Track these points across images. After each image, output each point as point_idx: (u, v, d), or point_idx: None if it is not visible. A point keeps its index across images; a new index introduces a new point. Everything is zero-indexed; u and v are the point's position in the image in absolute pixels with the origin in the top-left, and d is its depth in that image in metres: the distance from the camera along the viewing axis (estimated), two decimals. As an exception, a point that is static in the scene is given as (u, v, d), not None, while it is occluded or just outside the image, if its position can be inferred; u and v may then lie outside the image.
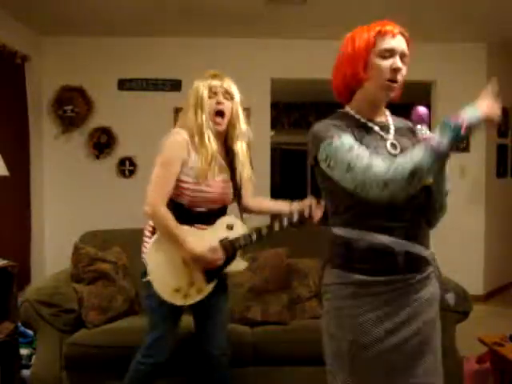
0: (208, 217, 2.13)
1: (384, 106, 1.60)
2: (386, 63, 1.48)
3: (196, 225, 2.10)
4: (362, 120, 1.55)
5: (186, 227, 2.07)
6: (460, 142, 1.33)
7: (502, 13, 4.22)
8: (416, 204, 1.49)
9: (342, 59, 1.55)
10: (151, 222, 2.13)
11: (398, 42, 1.49)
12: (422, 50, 4.97)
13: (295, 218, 2.10)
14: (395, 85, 1.49)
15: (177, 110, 4.41)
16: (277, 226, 2.10)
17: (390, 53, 1.48)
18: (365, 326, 1.46)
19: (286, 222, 2.10)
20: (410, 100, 8.22)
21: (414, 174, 1.32)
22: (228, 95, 2.15)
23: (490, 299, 5.21)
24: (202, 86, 2.11)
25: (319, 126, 1.51)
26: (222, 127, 2.14)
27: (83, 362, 2.62)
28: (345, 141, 1.43)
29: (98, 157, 4.90)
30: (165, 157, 2.04)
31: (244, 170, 2.19)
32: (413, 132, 1.56)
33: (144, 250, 2.16)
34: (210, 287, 2.14)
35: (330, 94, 1.73)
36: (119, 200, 4.85)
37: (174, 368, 2.56)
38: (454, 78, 5.12)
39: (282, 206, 2.23)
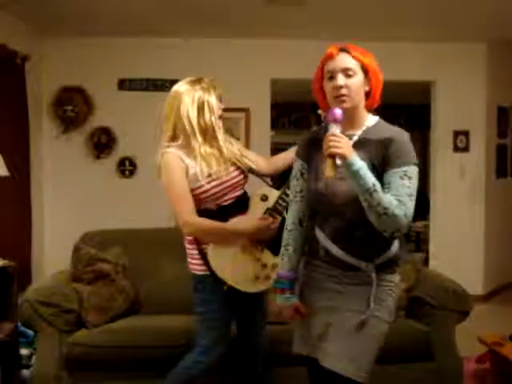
0: (238, 206, 2.19)
1: (360, 118, 1.74)
2: (330, 84, 1.68)
3: (234, 217, 2.15)
4: None
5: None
6: None
7: (502, 13, 4.21)
8: (344, 216, 1.67)
9: None
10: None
11: (337, 61, 1.67)
12: (422, 50, 4.99)
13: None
14: (343, 98, 1.66)
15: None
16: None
17: (331, 74, 1.68)
18: (306, 284, 1.84)
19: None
20: (410, 100, 8.19)
21: None
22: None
23: (490, 299, 5.21)
24: (212, 92, 2.16)
25: (303, 137, 1.90)
26: None
27: (83, 362, 2.62)
28: (295, 166, 1.86)
29: (98, 157, 4.90)
30: (167, 178, 2.11)
31: (235, 148, 2.27)
32: (384, 144, 1.66)
33: (192, 261, 2.20)
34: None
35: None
36: (119, 200, 4.85)
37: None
38: (454, 77, 5.12)
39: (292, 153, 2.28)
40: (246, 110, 4.95)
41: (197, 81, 2.17)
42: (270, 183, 2.35)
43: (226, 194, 2.16)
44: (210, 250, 2.12)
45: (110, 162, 4.94)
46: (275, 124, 7.32)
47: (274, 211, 2.18)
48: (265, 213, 2.18)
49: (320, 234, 1.75)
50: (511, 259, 5.65)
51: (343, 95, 1.66)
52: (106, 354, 2.60)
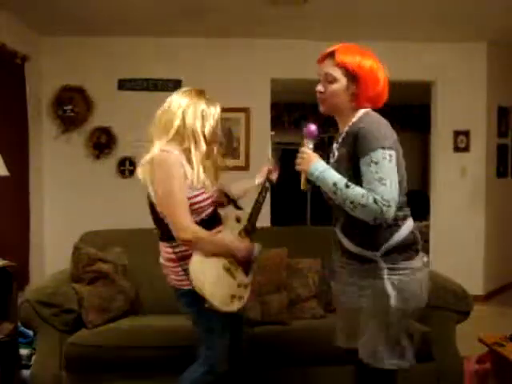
0: (215, 217, 2.20)
1: (341, 117, 1.85)
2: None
3: (213, 230, 2.14)
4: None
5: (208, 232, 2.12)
6: None
7: (502, 13, 4.21)
8: (344, 210, 1.74)
9: None
10: (168, 249, 2.13)
11: (322, 67, 1.82)
12: (422, 50, 4.99)
13: (267, 185, 2.28)
14: (321, 102, 1.85)
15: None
16: (261, 199, 2.25)
17: (319, 78, 1.83)
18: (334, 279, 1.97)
19: (264, 194, 2.27)
20: (410, 100, 8.19)
21: None
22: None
23: (490, 299, 5.21)
24: (215, 106, 2.17)
25: None
26: None
27: (83, 362, 2.62)
28: None
29: (98, 157, 4.90)
30: (168, 186, 2.06)
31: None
32: (354, 136, 1.72)
33: (177, 278, 2.14)
34: (250, 278, 2.23)
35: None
36: (119, 200, 4.85)
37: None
38: (454, 77, 5.12)
39: (250, 182, 2.35)
40: (245, 110, 4.95)
41: (201, 92, 2.17)
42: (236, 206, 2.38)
43: (206, 209, 2.15)
44: (193, 264, 2.06)
45: (109, 161, 4.94)
46: (275, 124, 7.31)
47: (249, 230, 2.21)
48: (240, 233, 2.20)
49: (336, 229, 1.88)
50: (511, 259, 5.65)
51: (320, 99, 1.83)
52: (105, 354, 2.60)
